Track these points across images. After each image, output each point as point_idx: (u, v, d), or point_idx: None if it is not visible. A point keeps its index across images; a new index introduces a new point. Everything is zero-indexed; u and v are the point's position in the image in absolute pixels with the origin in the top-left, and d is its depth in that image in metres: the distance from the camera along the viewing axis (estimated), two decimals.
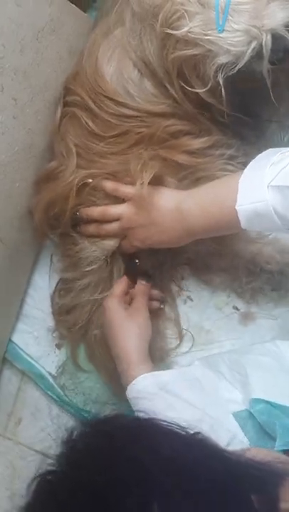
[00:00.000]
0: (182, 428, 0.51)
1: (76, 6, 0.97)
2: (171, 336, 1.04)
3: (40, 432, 1.07)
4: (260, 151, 0.78)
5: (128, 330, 0.90)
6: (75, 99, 0.92)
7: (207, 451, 0.49)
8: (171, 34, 0.77)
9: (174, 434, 0.50)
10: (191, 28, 0.74)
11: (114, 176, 0.91)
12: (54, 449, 0.52)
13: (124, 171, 0.89)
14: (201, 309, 1.05)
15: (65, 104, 0.94)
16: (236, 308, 1.04)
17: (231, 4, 0.72)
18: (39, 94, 0.93)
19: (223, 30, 0.73)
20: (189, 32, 0.74)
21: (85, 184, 0.91)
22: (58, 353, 1.07)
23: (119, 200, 0.91)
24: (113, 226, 0.92)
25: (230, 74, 0.77)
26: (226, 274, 1.02)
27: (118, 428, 0.51)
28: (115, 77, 0.89)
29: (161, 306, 1.04)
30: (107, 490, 0.44)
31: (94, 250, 0.94)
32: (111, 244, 0.94)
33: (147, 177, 0.85)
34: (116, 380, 0.98)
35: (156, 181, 0.88)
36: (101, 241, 0.94)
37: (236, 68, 0.76)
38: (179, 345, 1.03)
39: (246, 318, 1.03)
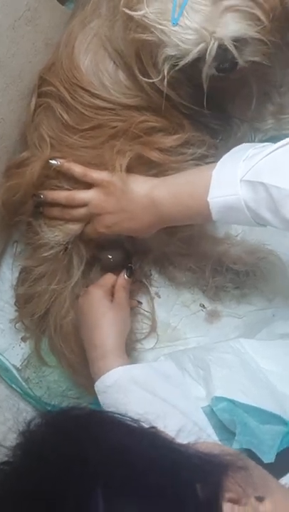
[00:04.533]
0: (135, 421, 0.52)
1: None
2: (139, 331, 1.05)
3: (2, 426, 1.06)
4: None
5: (111, 321, 0.89)
6: (50, 90, 0.92)
7: (156, 442, 0.50)
8: (133, 16, 0.77)
9: (124, 426, 0.51)
10: (146, 13, 0.75)
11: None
12: (13, 441, 0.52)
13: (97, 165, 0.89)
14: (168, 306, 1.06)
15: (40, 95, 0.94)
16: (203, 306, 1.05)
17: (189, 1, 0.72)
18: (13, 85, 0.92)
19: (177, 24, 0.74)
20: (145, 17, 0.75)
21: (51, 167, 0.90)
22: (23, 346, 1.06)
23: (86, 185, 0.90)
24: (80, 211, 0.91)
25: (176, 69, 0.78)
26: (193, 272, 1.03)
27: (70, 420, 0.51)
28: (91, 69, 0.89)
29: (140, 304, 1.04)
30: (54, 479, 0.45)
31: (56, 235, 0.93)
32: (75, 228, 0.93)
33: (123, 163, 0.86)
34: (78, 373, 0.98)
35: (128, 171, 0.87)
36: (65, 225, 0.93)
37: (180, 64, 0.77)
38: (145, 337, 1.04)
39: (212, 316, 1.04)
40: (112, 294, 0.94)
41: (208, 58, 0.76)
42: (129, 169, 0.88)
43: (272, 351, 0.92)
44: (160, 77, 0.81)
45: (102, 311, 0.90)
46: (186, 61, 0.77)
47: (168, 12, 0.74)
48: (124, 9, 0.77)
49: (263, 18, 0.75)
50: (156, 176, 0.89)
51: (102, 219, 0.90)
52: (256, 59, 0.80)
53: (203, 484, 0.46)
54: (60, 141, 0.91)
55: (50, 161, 0.90)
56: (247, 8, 0.74)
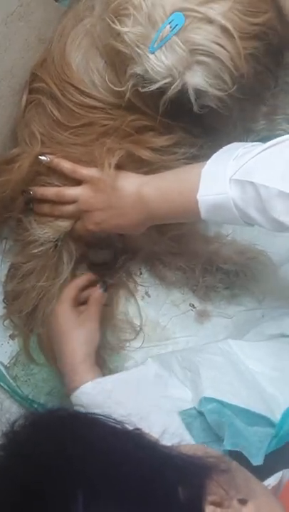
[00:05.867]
0: (119, 422, 0.52)
1: None
2: (127, 330, 1.05)
3: None
4: None
5: (77, 336, 0.90)
6: (42, 87, 0.91)
7: (140, 444, 0.50)
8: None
9: (109, 427, 0.51)
10: (128, 31, 0.78)
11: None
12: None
13: (87, 162, 0.89)
14: (157, 305, 1.05)
15: (31, 91, 0.93)
16: (193, 306, 1.05)
17: (171, 40, 0.75)
18: (5, 81, 0.92)
19: (153, 53, 0.77)
20: (125, 34, 0.78)
21: (40, 163, 0.90)
22: (12, 344, 1.06)
23: (76, 182, 0.90)
24: (69, 208, 0.91)
25: (140, 89, 0.82)
26: (183, 272, 1.03)
27: (55, 420, 0.52)
28: (82, 66, 0.88)
29: None
30: (37, 478, 0.46)
31: (46, 232, 0.92)
32: (65, 225, 0.92)
33: (111, 161, 0.85)
34: None
35: (118, 169, 0.87)
36: (55, 221, 0.92)
37: (143, 90, 0.81)
38: (134, 339, 1.04)
39: (202, 316, 1.04)
40: (77, 303, 0.95)
41: (169, 91, 0.80)
42: (120, 166, 0.87)
43: (261, 352, 0.92)
44: (124, 88, 0.83)
45: (68, 329, 0.91)
46: (150, 89, 0.80)
47: (148, 39, 0.76)
48: (109, 17, 0.79)
49: (228, 82, 0.79)
50: (147, 174, 0.88)
51: (91, 216, 0.89)
52: (212, 106, 0.83)
53: (186, 486, 0.46)
54: (51, 137, 0.91)
55: (40, 157, 0.89)
56: (217, 69, 0.77)
